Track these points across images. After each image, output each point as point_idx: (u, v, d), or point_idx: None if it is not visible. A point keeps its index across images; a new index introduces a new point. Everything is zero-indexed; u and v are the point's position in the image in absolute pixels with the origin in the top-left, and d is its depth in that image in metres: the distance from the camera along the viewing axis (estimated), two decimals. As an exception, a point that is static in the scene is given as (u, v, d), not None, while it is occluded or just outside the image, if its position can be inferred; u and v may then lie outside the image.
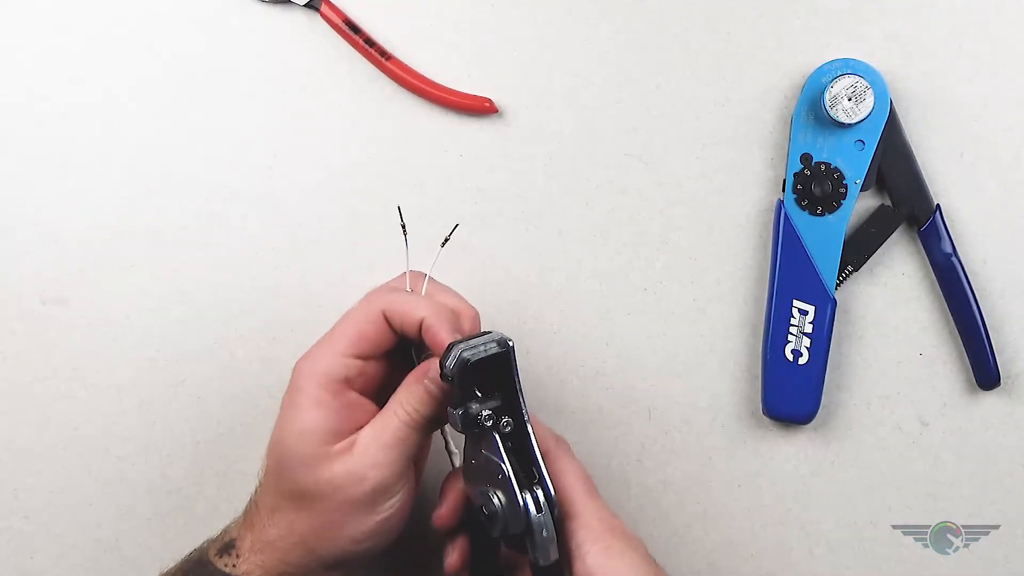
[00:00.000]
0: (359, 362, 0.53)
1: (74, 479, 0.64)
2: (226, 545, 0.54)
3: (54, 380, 0.64)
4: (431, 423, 0.53)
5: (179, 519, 0.64)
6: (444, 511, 0.54)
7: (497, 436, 0.51)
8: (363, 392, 0.54)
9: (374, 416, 0.53)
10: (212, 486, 0.64)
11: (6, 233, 0.64)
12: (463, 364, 0.50)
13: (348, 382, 0.53)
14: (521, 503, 0.50)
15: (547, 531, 0.51)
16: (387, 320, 0.54)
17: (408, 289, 0.56)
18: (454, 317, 0.53)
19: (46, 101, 0.64)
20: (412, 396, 0.53)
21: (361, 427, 0.53)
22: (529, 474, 0.51)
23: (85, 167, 0.64)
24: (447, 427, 0.56)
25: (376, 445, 0.52)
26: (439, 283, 0.57)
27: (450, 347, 0.50)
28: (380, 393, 0.55)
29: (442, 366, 0.50)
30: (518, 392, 0.52)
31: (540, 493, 0.51)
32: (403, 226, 0.56)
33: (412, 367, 0.55)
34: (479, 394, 0.51)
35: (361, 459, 0.52)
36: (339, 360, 0.53)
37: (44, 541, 0.64)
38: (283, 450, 0.52)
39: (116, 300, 0.64)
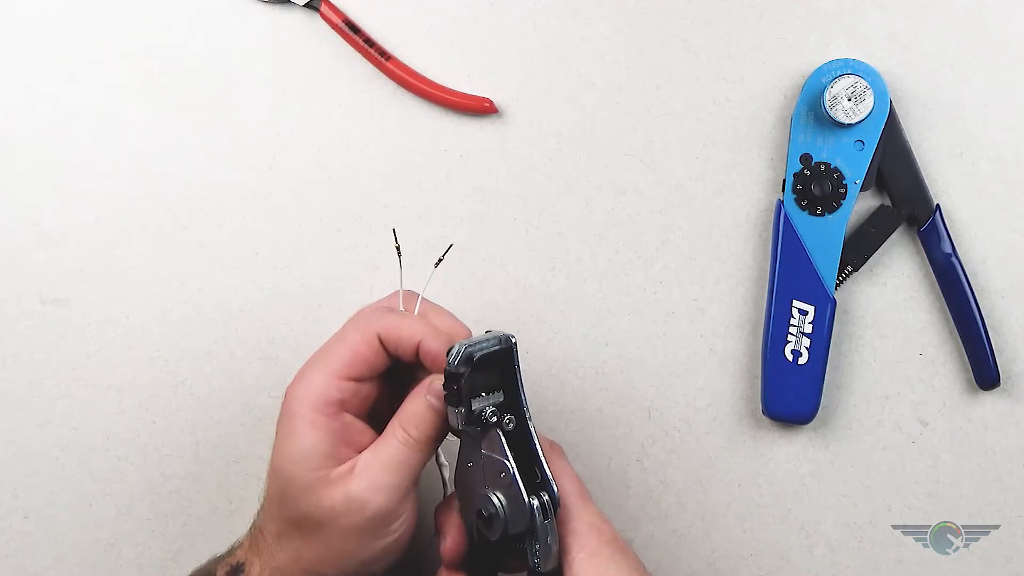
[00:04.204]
0: (353, 384, 0.53)
1: (74, 479, 0.64)
2: (234, 568, 0.54)
3: (54, 380, 0.64)
4: (432, 442, 0.53)
5: (179, 519, 0.64)
6: (451, 543, 0.53)
7: (501, 433, 0.51)
8: (358, 415, 0.53)
9: (372, 440, 0.53)
10: (212, 486, 0.64)
11: (6, 233, 0.64)
12: (468, 358, 0.50)
13: (342, 404, 0.52)
14: (527, 504, 0.50)
15: (551, 536, 0.50)
16: (382, 343, 0.53)
17: (400, 309, 0.56)
18: (450, 339, 0.53)
19: (46, 101, 0.64)
20: (412, 415, 0.52)
21: (358, 449, 0.52)
22: (530, 474, 0.51)
23: (85, 167, 0.64)
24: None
25: (376, 468, 0.51)
26: (431, 303, 0.56)
27: (450, 349, 0.51)
28: (375, 416, 0.54)
29: (447, 364, 0.50)
30: (520, 390, 0.52)
31: (546, 497, 0.51)
32: (397, 248, 0.56)
33: (406, 387, 0.54)
34: (481, 392, 0.51)
35: (360, 483, 0.51)
36: (333, 382, 0.52)
37: (44, 541, 0.64)
38: (282, 476, 0.52)
39: (116, 300, 0.64)
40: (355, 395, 0.53)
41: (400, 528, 0.52)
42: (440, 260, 0.56)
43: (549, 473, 0.51)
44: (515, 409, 0.52)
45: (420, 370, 0.54)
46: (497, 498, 0.50)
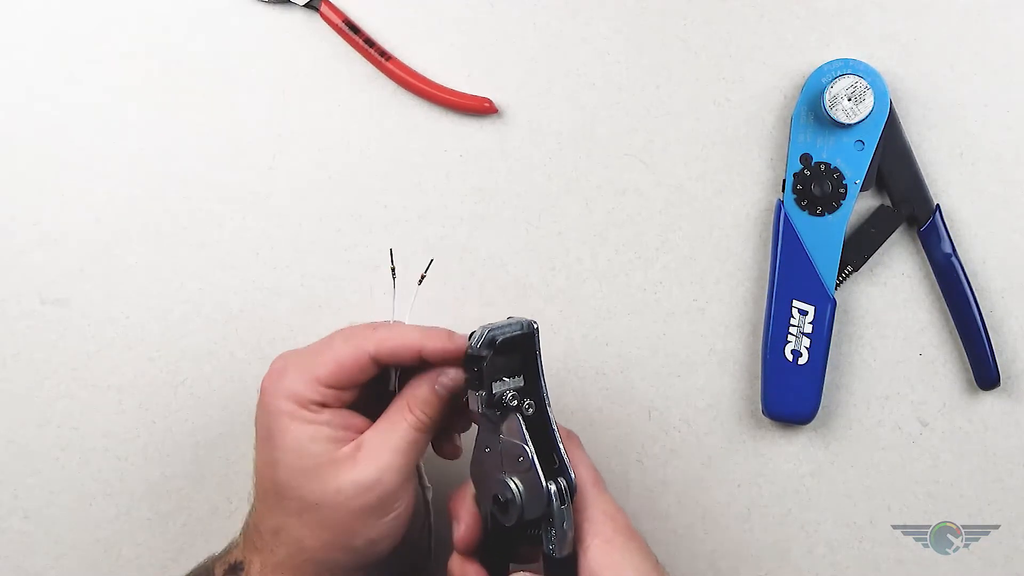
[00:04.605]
0: (334, 391, 0.53)
1: (74, 479, 0.64)
2: (233, 567, 0.54)
3: (54, 380, 0.64)
4: (437, 426, 0.53)
5: (179, 519, 0.64)
6: (464, 531, 0.54)
7: (520, 417, 0.51)
8: (339, 407, 0.53)
9: (363, 421, 0.53)
10: (212, 486, 0.64)
11: (6, 233, 0.64)
12: (491, 341, 0.50)
13: (323, 405, 0.52)
14: (545, 489, 0.50)
15: (567, 522, 0.51)
16: (375, 359, 0.52)
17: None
18: (448, 336, 0.53)
19: (46, 101, 0.64)
20: (422, 399, 0.53)
21: (354, 430, 0.53)
22: (548, 460, 0.51)
23: (85, 167, 0.64)
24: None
25: (386, 450, 0.52)
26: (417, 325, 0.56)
27: (473, 332, 0.51)
28: (355, 406, 0.54)
29: (469, 347, 0.50)
30: (541, 375, 0.52)
31: (563, 482, 0.51)
32: (392, 269, 0.56)
33: (387, 387, 0.54)
34: (502, 377, 0.51)
35: (369, 465, 0.51)
36: (315, 387, 0.52)
37: (44, 541, 0.64)
38: (280, 469, 0.52)
39: (116, 300, 0.64)
40: (336, 399, 0.53)
41: (401, 506, 0.53)
42: (423, 277, 0.56)
43: (567, 459, 0.51)
44: (535, 395, 0.52)
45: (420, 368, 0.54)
46: (514, 483, 0.51)
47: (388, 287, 0.61)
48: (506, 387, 0.51)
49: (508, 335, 0.51)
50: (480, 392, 0.51)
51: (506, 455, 0.51)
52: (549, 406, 0.52)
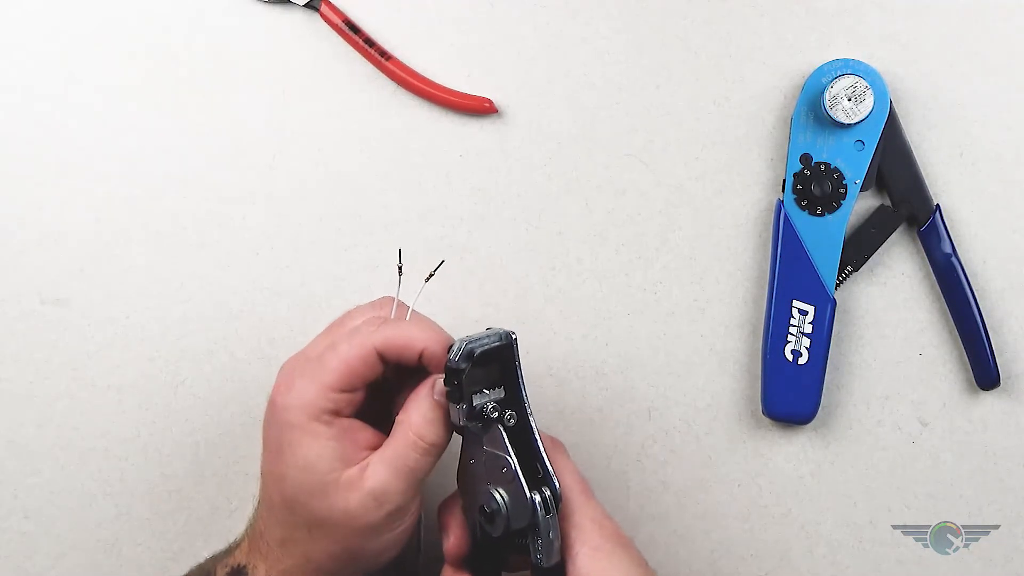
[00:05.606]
0: (346, 395, 0.52)
1: (74, 479, 0.64)
2: (236, 570, 0.54)
3: (54, 380, 0.64)
4: (444, 444, 0.53)
5: (179, 519, 0.64)
6: (454, 541, 0.54)
7: (502, 429, 0.51)
8: (351, 415, 0.53)
9: (371, 434, 0.53)
10: (212, 486, 0.64)
11: (6, 233, 0.64)
12: (469, 354, 0.50)
13: (337, 413, 0.52)
14: (529, 500, 0.50)
15: (553, 532, 0.51)
16: (380, 355, 0.52)
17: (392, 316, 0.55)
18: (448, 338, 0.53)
19: (46, 101, 0.64)
20: (422, 419, 0.52)
21: (362, 446, 0.53)
22: (532, 470, 0.51)
23: (85, 167, 0.64)
24: None
25: (390, 473, 0.51)
26: (419, 314, 0.56)
27: (452, 343, 0.51)
28: (366, 412, 0.54)
29: (448, 360, 0.50)
30: (521, 386, 0.52)
31: (548, 492, 0.51)
32: (400, 267, 0.56)
33: (394, 383, 0.54)
34: (483, 388, 0.51)
35: (375, 486, 0.51)
36: (326, 394, 0.52)
37: (44, 541, 0.64)
38: (288, 485, 0.52)
39: (116, 300, 0.64)
40: (349, 404, 0.53)
41: (409, 520, 0.53)
42: (431, 275, 0.56)
43: (551, 468, 0.51)
44: (516, 405, 0.52)
45: (420, 372, 0.54)
46: (499, 494, 0.51)
47: (388, 287, 0.61)
48: (486, 399, 0.51)
49: (486, 347, 0.51)
50: (461, 405, 0.51)
51: (490, 466, 0.51)
52: (531, 416, 0.52)
